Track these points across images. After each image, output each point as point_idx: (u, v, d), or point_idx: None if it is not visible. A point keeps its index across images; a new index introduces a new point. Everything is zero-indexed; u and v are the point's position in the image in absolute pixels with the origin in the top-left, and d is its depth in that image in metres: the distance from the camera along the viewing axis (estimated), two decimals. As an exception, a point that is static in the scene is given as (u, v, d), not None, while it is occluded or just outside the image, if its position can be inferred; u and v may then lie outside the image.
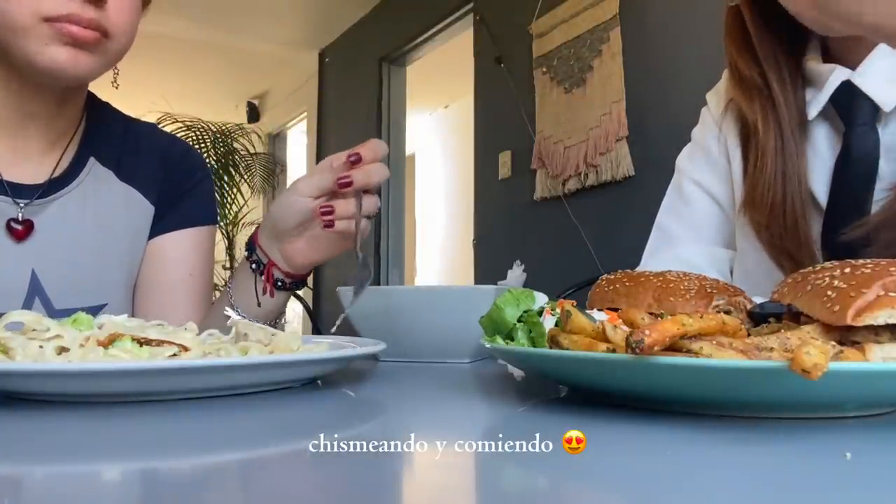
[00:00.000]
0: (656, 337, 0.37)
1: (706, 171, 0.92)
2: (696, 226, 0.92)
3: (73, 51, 0.76)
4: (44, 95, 0.83)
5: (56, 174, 0.86)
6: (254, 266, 0.83)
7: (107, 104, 0.97)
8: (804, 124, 0.79)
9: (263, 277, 0.82)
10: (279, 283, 0.83)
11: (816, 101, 0.78)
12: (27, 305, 0.82)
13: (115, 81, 0.91)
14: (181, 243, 0.96)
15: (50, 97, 0.83)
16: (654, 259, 0.93)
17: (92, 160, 0.90)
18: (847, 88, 0.75)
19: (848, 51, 0.77)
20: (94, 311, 0.86)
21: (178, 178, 0.96)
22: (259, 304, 0.83)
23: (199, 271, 0.97)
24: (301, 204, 0.77)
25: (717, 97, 0.94)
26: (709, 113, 0.94)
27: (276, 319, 0.87)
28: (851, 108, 0.76)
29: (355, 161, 0.75)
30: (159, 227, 0.95)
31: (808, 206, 0.77)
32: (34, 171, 0.85)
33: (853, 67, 0.75)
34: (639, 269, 0.87)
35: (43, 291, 0.83)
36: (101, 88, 0.98)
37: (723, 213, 0.91)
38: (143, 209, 0.93)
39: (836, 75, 0.76)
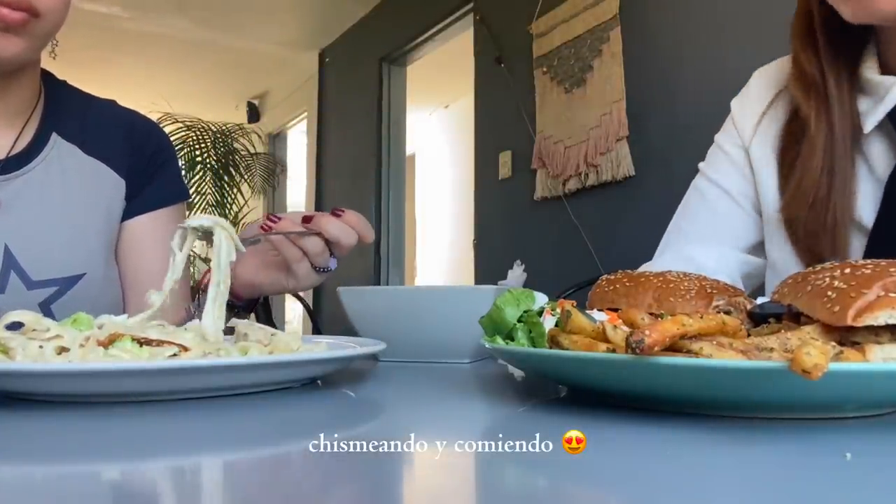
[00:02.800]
0: (656, 337, 0.37)
1: (729, 171, 0.91)
2: (709, 225, 0.91)
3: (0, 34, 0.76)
4: None
5: (16, 151, 0.87)
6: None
7: (64, 82, 0.97)
8: (855, 132, 0.79)
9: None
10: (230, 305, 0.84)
11: (874, 114, 0.77)
12: (3, 281, 0.83)
13: (53, 52, 0.91)
14: (161, 223, 0.97)
15: None
16: (660, 258, 0.92)
17: (55, 136, 0.90)
18: None
19: None
20: (73, 281, 0.87)
21: (147, 156, 0.97)
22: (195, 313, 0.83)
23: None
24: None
25: (742, 107, 0.92)
26: (732, 123, 0.93)
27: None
28: None
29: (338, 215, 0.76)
30: (134, 208, 0.96)
31: (850, 212, 0.77)
32: None
33: None
34: (643, 266, 0.87)
35: (18, 265, 0.84)
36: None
37: (742, 212, 0.90)
38: (112, 182, 0.93)
39: None
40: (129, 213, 0.96)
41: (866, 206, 0.77)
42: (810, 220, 0.78)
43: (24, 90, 0.88)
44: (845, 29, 0.76)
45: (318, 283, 0.80)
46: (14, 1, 0.74)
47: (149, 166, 0.97)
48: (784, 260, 0.84)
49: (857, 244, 0.78)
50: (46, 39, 0.82)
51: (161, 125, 2.60)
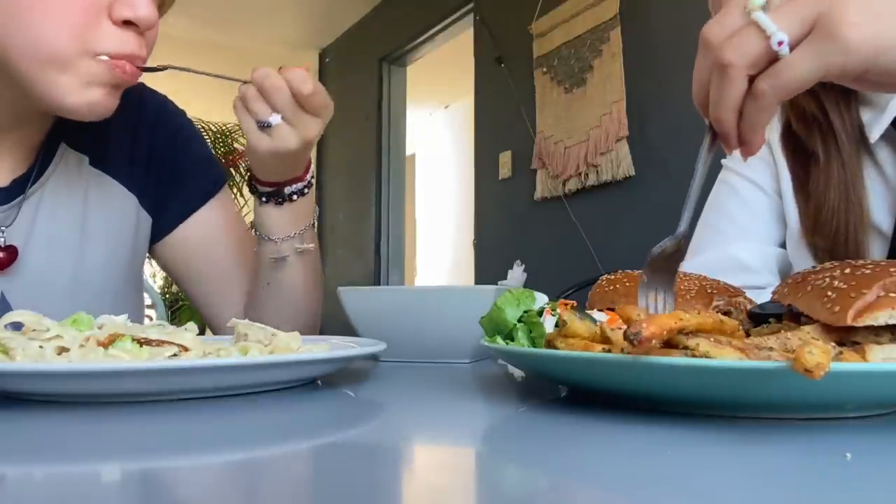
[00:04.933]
0: (654, 330, 0.36)
1: (757, 164, 0.91)
2: (746, 221, 0.91)
3: (111, 90, 0.70)
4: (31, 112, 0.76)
5: (21, 172, 0.78)
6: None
7: None
8: (862, 145, 0.80)
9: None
10: (253, 188, 0.84)
11: (878, 124, 0.78)
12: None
13: None
14: (210, 221, 0.90)
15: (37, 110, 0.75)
16: (703, 256, 0.91)
17: (63, 147, 0.81)
18: None
19: None
20: None
21: (162, 159, 0.88)
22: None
23: (242, 235, 0.92)
24: None
25: None
26: None
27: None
28: None
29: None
30: (173, 216, 0.89)
31: (870, 231, 0.78)
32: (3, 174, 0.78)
33: None
34: (685, 264, 0.87)
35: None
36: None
37: (775, 205, 0.90)
38: (121, 199, 0.85)
39: None
40: (168, 224, 0.89)
41: (882, 211, 0.78)
42: (836, 249, 0.79)
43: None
44: None
45: (265, 144, 0.77)
46: (141, 57, 0.70)
47: (169, 165, 0.88)
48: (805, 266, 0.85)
49: (878, 249, 0.79)
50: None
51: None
